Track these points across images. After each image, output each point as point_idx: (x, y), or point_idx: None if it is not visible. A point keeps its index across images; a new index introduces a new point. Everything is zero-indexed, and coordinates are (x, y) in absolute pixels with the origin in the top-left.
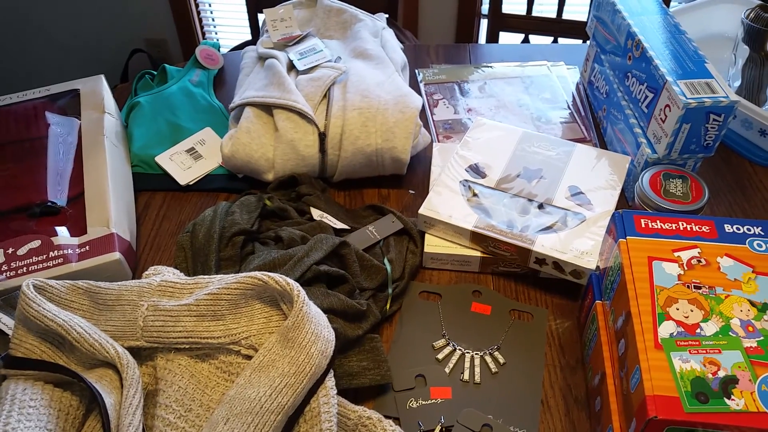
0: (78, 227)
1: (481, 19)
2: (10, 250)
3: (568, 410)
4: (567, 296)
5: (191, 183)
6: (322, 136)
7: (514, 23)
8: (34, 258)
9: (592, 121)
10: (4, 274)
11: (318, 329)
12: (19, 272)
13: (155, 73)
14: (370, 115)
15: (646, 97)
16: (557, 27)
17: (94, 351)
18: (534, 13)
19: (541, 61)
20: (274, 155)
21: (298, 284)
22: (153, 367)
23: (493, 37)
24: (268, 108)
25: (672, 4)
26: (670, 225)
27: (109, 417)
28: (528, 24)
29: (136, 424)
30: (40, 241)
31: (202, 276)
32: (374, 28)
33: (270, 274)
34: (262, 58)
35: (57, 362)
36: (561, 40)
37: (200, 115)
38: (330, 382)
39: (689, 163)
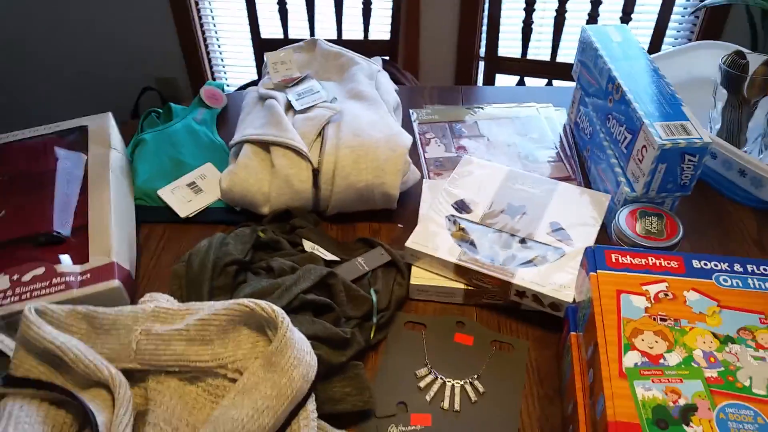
0: (81, 255)
1: (480, 62)
2: (16, 277)
3: None
4: (547, 328)
5: (191, 215)
6: (316, 172)
7: (509, 66)
8: (37, 284)
9: (578, 160)
10: (9, 299)
11: (300, 354)
12: (23, 297)
13: (161, 111)
14: (362, 152)
15: (625, 138)
16: (551, 69)
17: (88, 372)
18: (529, 57)
19: (530, 103)
20: (269, 189)
21: (282, 311)
22: (145, 388)
23: (489, 79)
24: (265, 145)
25: (663, 47)
26: (639, 260)
27: None
28: (523, 67)
29: None
30: (44, 268)
31: (193, 302)
32: (370, 71)
33: (256, 301)
34: (263, 98)
35: (54, 381)
36: (555, 83)
37: (202, 152)
38: (311, 405)
39: (667, 201)
